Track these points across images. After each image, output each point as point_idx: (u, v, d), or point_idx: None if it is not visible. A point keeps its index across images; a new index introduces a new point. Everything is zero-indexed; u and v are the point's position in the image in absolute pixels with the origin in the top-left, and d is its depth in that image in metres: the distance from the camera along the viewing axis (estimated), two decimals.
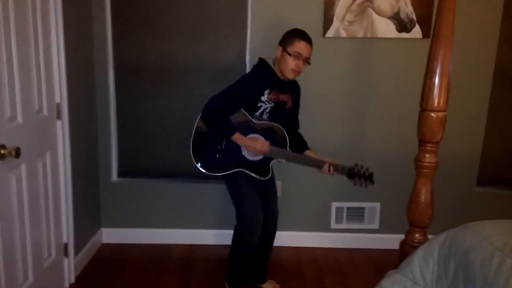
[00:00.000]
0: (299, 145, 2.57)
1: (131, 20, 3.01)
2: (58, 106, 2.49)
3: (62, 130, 2.53)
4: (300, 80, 2.79)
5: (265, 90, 2.35)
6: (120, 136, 3.16)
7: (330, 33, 2.93)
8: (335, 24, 2.91)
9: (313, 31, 2.91)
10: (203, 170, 2.41)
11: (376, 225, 3.23)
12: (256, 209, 2.43)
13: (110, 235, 3.23)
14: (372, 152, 3.12)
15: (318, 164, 2.43)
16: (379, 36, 2.94)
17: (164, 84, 3.08)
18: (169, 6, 2.98)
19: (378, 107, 3.07)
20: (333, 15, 2.90)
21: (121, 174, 3.21)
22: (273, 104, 2.38)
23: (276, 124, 2.40)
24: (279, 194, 3.12)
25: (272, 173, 2.56)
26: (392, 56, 2.99)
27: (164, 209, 3.21)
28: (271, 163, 2.45)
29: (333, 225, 3.23)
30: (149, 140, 3.16)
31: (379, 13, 2.91)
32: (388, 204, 3.19)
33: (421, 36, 2.92)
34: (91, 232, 3.07)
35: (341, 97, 3.05)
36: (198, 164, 2.41)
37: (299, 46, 2.30)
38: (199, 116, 2.37)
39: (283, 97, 2.43)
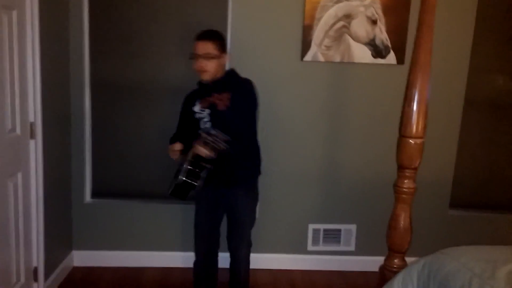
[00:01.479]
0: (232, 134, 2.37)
1: (108, 38, 2.97)
2: (32, 125, 2.43)
3: (35, 149, 2.46)
4: (276, 102, 2.81)
5: (196, 101, 2.38)
6: (94, 156, 3.09)
7: (308, 57, 2.97)
8: (313, 48, 2.97)
9: (291, 54, 2.98)
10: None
11: (352, 247, 3.25)
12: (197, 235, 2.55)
13: (81, 258, 3.12)
14: (348, 174, 3.16)
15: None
16: (356, 61, 3.01)
17: (141, 103, 3.05)
18: (147, 24, 2.97)
19: (354, 130, 3.12)
20: (311, 40, 2.95)
21: (94, 194, 3.13)
22: (209, 111, 2.32)
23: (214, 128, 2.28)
24: (256, 215, 3.12)
25: (240, 200, 2.46)
26: (368, 81, 3.06)
27: (138, 231, 3.14)
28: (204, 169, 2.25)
29: (310, 247, 3.23)
30: (124, 160, 3.10)
31: (356, 39, 2.98)
32: (364, 226, 3.22)
33: (395, 62, 3.01)
34: (62, 255, 2.96)
35: (317, 120, 3.09)
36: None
37: (194, 47, 2.30)
38: None
39: (212, 99, 2.31)
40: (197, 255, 2.58)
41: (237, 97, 2.31)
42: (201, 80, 2.37)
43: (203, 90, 2.38)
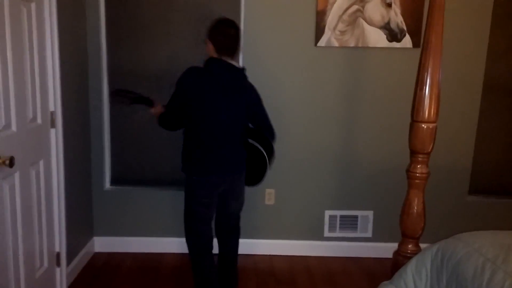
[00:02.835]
0: None
1: (125, 27, 3.02)
2: (52, 114, 2.49)
3: (55, 138, 2.52)
4: (291, 88, 2.82)
5: None
6: (113, 144, 3.15)
7: (322, 42, 2.96)
8: (327, 33, 2.95)
9: (305, 40, 2.96)
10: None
11: (369, 234, 3.25)
12: None
13: (102, 244, 3.21)
14: (365, 160, 3.15)
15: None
16: (370, 45, 2.98)
17: (158, 91, 3.08)
18: (163, 13, 3.00)
19: (370, 116, 3.10)
20: (324, 25, 2.93)
21: (114, 182, 3.20)
22: None
23: None
24: (272, 202, 3.15)
25: (242, 183, 2.54)
26: (383, 65, 3.03)
27: (157, 218, 3.21)
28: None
29: (327, 234, 3.24)
30: (143, 147, 3.16)
31: (370, 23, 2.95)
32: (381, 213, 3.21)
33: (411, 46, 2.96)
34: (84, 241, 3.05)
35: (332, 106, 3.08)
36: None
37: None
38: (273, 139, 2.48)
39: None
40: (206, 253, 2.44)
41: None
42: None
43: None
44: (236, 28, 2.28)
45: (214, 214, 2.48)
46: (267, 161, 2.38)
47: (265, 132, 2.43)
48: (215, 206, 2.45)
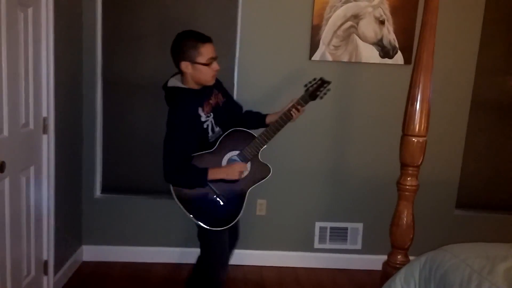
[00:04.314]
0: (257, 119, 2.44)
1: (121, 36, 3.04)
2: (45, 120, 2.49)
3: (47, 144, 2.51)
4: (285, 101, 2.84)
5: (198, 110, 2.18)
6: (105, 151, 3.15)
7: (316, 56, 3.01)
8: (321, 48, 3.00)
9: (300, 54, 3.01)
10: (230, 225, 2.23)
11: (359, 246, 3.26)
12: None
13: (91, 253, 3.18)
14: (356, 173, 3.18)
15: (286, 118, 2.30)
16: (363, 61, 3.03)
17: (151, 100, 3.10)
18: (159, 22, 3.03)
19: (361, 129, 3.14)
20: (319, 39, 2.99)
21: (104, 190, 3.19)
22: (212, 114, 2.24)
23: (228, 131, 2.26)
24: (263, 213, 3.16)
25: None
26: (375, 81, 3.09)
27: (147, 227, 3.19)
28: (259, 158, 2.32)
29: (317, 245, 3.25)
30: (135, 156, 3.16)
31: (364, 39, 3.01)
32: (371, 225, 3.23)
33: (403, 63, 3.03)
34: (72, 250, 3.02)
35: (325, 119, 3.12)
36: (222, 227, 2.21)
37: (208, 51, 2.12)
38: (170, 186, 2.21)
39: (213, 100, 2.27)
40: (222, 275, 2.34)
41: (223, 91, 2.39)
42: (197, 87, 2.21)
43: (201, 98, 2.22)
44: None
45: None
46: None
47: None
48: None
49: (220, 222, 2.20)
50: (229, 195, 2.23)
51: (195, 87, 2.20)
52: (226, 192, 2.23)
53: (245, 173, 2.28)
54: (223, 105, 2.35)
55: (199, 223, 2.18)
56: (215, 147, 2.24)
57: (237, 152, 2.25)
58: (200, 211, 2.20)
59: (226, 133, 2.26)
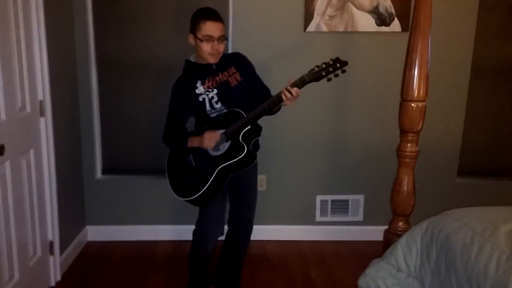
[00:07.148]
0: (262, 98, 2.26)
1: (112, 16, 2.99)
2: (41, 103, 2.48)
3: (45, 127, 2.51)
4: (280, 74, 2.81)
5: (196, 83, 2.23)
6: (104, 133, 3.14)
7: (311, 27, 2.96)
8: (316, 18, 2.95)
9: (294, 25, 2.97)
10: (193, 197, 2.26)
11: (360, 217, 3.28)
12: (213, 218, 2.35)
13: (95, 233, 3.21)
14: (355, 145, 3.17)
15: (277, 100, 2.10)
16: (360, 30, 2.99)
17: (147, 80, 3.08)
18: (150, 0, 2.98)
19: (360, 100, 3.12)
20: (313, 10, 2.94)
21: (105, 171, 3.20)
22: (216, 91, 2.24)
23: (227, 110, 2.25)
24: (263, 188, 3.17)
25: (252, 178, 2.44)
26: (372, 50, 3.05)
27: (149, 206, 3.21)
28: (239, 138, 2.20)
29: (318, 218, 3.27)
30: (133, 136, 3.16)
31: (359, 7, 2.96)
32: (372, 196, 3.24)
33: (400, 30, 2.98)
34: (76, 230, 3.05)
35: (323, 91, 3.09)
36: (186, 198, 2.29)
37: (206, 28, 2.11)
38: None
39: (221, 78, 2.25)
40: (206, 242, 2.37)
41: (244, 71, 2.32)
42: (204, 62, 2.23)
43: (204, 73, 2.25)
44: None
45: None
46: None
47: None
48: None
49: (184, 193, 2.31)
50: (200, 166, 2.29)
51: (202, 61, 2.25)
52: (200, 162, 2.29)
53: (222, 151, 2.24)
54: (238, 85, 2.29)
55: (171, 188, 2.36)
56: (210, 124, 2.26)
57: (223, 130, 2.24)
58: (175, 178, 2.36)
59: (224, 112, 2.26)
